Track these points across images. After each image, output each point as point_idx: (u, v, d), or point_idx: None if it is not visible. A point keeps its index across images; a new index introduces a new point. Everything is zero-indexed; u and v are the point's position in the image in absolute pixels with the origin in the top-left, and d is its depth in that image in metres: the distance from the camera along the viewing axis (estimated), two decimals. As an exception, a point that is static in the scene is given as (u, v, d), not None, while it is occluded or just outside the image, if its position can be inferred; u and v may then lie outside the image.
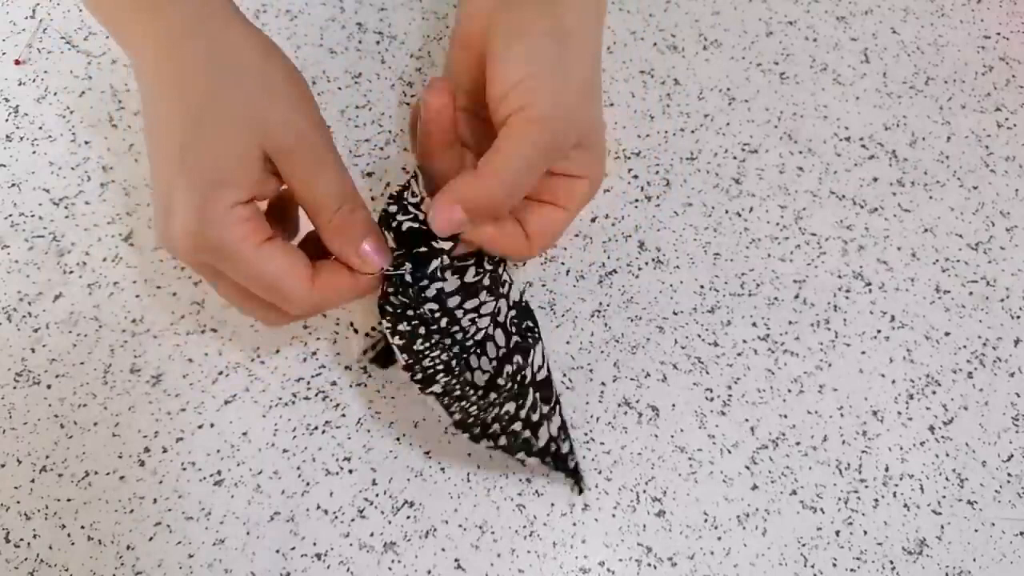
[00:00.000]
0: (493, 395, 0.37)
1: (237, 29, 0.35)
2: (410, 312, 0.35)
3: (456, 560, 0.40)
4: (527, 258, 0.39)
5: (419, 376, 0.36)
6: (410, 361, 0.36)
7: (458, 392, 0.36)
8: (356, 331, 0.44)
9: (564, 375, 0.44)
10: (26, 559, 0.39)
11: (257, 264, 0.34)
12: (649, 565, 0.40)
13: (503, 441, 0.38)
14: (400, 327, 0.35)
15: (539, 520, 0.41)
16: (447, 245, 0.36)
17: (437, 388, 0.36)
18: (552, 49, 0.35)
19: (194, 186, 0.33)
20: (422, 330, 0.35)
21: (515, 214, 0.38)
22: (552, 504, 0.41)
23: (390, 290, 0.36)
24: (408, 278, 0.35)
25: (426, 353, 0.35)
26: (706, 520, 0.41)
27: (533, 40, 0.35)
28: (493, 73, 0.35)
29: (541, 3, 0.36)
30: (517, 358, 0.38)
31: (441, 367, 0.36)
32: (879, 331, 0.46)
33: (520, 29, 0.35)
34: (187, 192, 0.33)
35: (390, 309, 0.35)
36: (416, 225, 0.36)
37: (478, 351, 0.37)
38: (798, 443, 0.43)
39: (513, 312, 0.39)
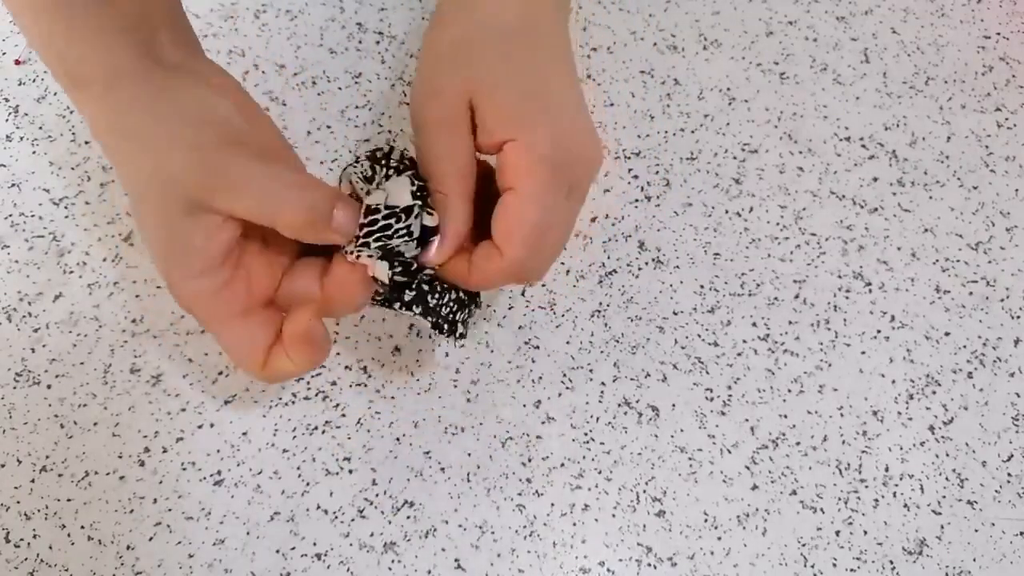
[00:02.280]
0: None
1: (130, 89, 0.33)
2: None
3: (456, 560, 0.40)
4: (512, 275, 0.35)
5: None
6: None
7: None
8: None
9: (564, 375, 0.44)
10: (26, 559, 0.39)
11: (219, 338, 0.35)
12: (649, 565, 0.40)
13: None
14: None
15: (539, 520, 0.41)
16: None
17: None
18: (537, 70, 0.35)
19: (156, 262, 0.34)
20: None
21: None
22: (552, 504, 0.41)
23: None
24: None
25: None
26: (706, 520, 0.41)
27: (512, 66, 0.35)
28: (484, 107, 0.34)
29: (510, 26, 0.36)
30: None
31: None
32: (879, 331, 0.46)
33: (499, 56, 0.35)
34: (157, 266, 0.34)
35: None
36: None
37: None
38: (798, 443, 0.43)
39: None
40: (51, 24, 0.33)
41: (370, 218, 0.34)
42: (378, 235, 0.34)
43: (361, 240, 0.34)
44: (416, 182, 0.35)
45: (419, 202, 0.34)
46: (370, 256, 0.34)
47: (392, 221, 0.34)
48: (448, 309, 0.37)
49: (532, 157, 0.33)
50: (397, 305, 0.36)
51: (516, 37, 0.36)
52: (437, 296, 0.36)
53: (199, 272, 0.33)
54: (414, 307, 0.36)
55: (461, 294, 0.37)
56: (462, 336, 0.38)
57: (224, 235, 0.33)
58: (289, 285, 0.36)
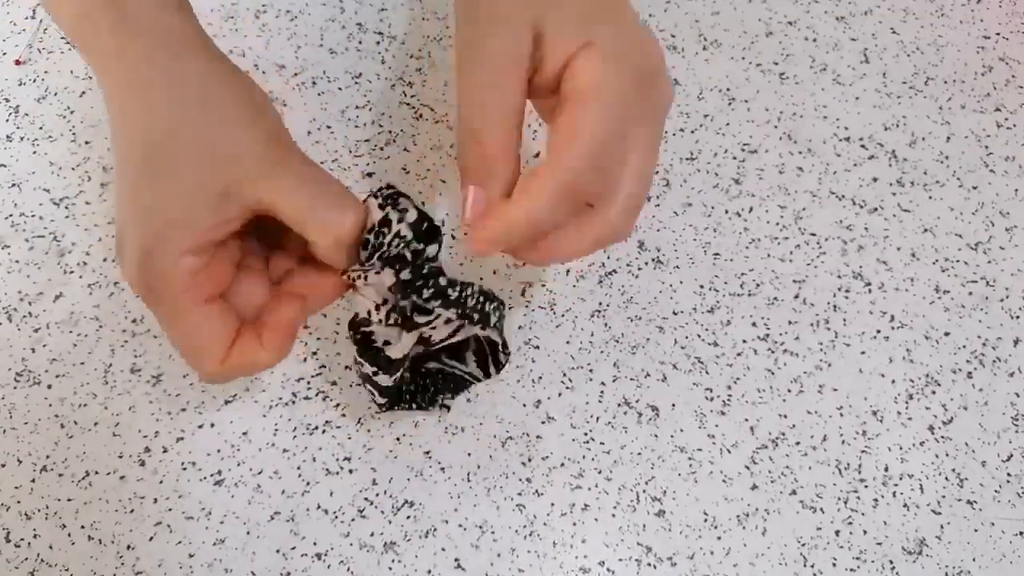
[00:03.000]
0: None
1: (200, 60, 0.33)
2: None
3: (456, 560, 0.40)
4: (561, 196, 0.32)
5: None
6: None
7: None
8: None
9: (564, 375, 0.44)
10: (26, 559, 0.39)
11: (181, 321, 0.33)
12: (649, 565, 0.40)
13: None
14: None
15: (539, 520, 0.41)
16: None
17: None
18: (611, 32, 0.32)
19: (143, 225, 0.32)
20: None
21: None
22: (552, 504, 0.41)
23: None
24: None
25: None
26: (706, 520, 0.41)
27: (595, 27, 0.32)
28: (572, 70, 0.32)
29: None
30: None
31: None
32: (879, 331, 0.46)
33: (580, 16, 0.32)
34: (137, 228, 0.32)
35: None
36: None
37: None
38: (798, 443, 0.43)
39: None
40: None
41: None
42: (372, 256, 0.34)
43: (358, 270, 0.34)
44: (379, 195, 0.34)
45: (391, 210, 0.34)
46: (374, 274, 0.34)
47: (374, 238, 0.33)
48: (475, 300, 0.35)
49: (603, 66, 0.31)
50: (415, 313, 0.34)
51: None
52: (459, 289, 0.34)
53: (190, 249, 0.32)
54: (433, 301, 0.34)
55: (483, 286, 0.36)
56: (498, 325, 0.36)
57: (238, 223, 0.32)
58: (239, 281, 0.35)
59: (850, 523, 0.41)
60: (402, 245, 0.33)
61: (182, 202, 0.31)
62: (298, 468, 0.41)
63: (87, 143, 0.49)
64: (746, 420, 0.43)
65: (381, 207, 0.34)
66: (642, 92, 0.32)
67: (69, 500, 0.40)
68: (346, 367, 0.44)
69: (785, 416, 0.44)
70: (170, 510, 0.40)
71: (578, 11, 0.32)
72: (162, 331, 0.34)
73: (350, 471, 0.41)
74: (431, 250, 0.34)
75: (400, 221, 0.33)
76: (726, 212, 0.49)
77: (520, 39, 0.32)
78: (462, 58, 0.33)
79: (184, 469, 0.41)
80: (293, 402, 0.43)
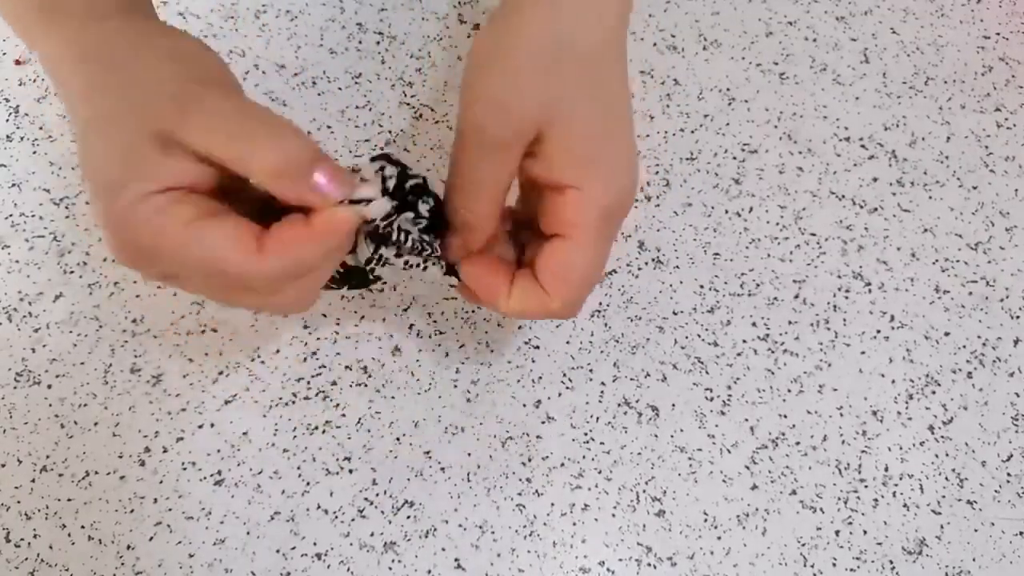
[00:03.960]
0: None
1: (116, 20, 0.33)
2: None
3: (456, 560, 0.40)
4: (556, 314, 0.34)
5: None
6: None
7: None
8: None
9: (564, 375, 0.44)
10: (26, 559, 0.39)
11: (185, 250, 0.30)
12: (649, 565, 0.40)
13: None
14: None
15: (539, 520, 0.41)
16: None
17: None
18: (504, 16, 0.32)
19: (96, 193, 0.31)
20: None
21: (533, 264, 0.34)
22: (552, 504, 0.41)
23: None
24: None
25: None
26: (706, 520, 0.41)
27: (495, 15, 0.32)
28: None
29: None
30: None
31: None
32: (879, 331, 0.46)
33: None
34: (94, 202, 0.31)
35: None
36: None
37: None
38: (798, 443, 0.43)
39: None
40: None
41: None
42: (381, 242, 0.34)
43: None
44: (385, 175, 0.33)
45: (395, 203, 0.33)
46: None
47: (381, 230, 0.33)
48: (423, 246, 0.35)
49: (594, 211, 0.32)
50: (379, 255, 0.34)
51: (595, 63, 0.33)
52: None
53: (151, 183, 0.30)
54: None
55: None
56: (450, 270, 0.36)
57: (197, 169, 0.31)
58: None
59: (850, 523, 0.41)
60: (407, 231, 0.34)
61: (120, 157, 0.30)
62: (298, 468, 0.41)
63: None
64: (746, 420, 0.43)
65: (385, 191, 0.33)
66: (617, 226, 0.34)
67: (69, 500, 0.40)
68: (346, 367, 0.44)
69: (785, 416, 0.44)
70: (170, 510, 0.40)
71: (585, 144, 0.32)
72: (176, 279, 0.32)
73: (350, 471, 0.41)
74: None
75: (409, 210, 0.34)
76: (726, 212, 0.49)
77: (522, 137, 0.32)
78: (465, 131, 0.33)
79: (184, 469, 0.41)
80: (293, 402, 0.43)
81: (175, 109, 0.30)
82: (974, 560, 0.41)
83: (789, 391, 0.44)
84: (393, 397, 0.43)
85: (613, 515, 0.41)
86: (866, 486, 0.42)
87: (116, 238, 0.30)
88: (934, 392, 0.44)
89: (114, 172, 0.30)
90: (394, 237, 0.33)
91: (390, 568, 0.40)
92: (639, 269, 0.47)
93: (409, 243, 0.34)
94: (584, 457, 0.42)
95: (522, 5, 0.33)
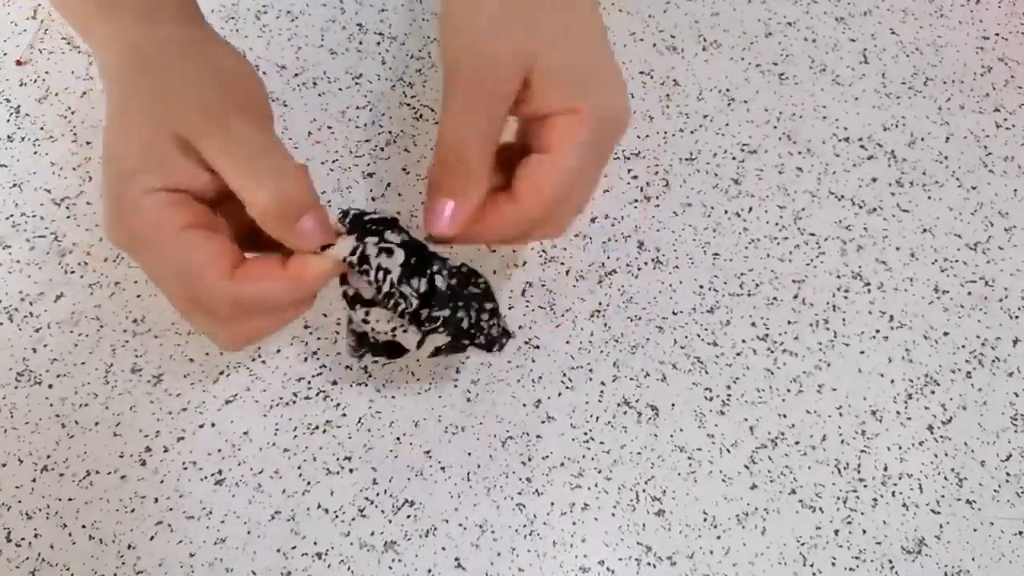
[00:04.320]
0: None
1: (169, 25, 0.35)
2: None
3: (456, 559, 0.40)
4: (523, 227, 0.34)
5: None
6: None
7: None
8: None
9: (564, 375, 0.44)
10: (27, 558, 0.39)
11: (171, 251, 0.32)
12: (649, 564, 0.40)
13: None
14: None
15: (539, 520, 0.41)
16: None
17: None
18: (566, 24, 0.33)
19: (111, 175, 0.33)
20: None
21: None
22: (552, 504, 0.41)
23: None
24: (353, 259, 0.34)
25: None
26: (705, 519, 0.41)
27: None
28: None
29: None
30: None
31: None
32: (878, 331, 0.46)
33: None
34: (107, 182, 0.33)
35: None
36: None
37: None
38: (797, 443, 0.43)
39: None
40: None
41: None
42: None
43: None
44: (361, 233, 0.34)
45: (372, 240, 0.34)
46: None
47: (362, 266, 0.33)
48: (472, 320, 0.35)
49: (578, 127, 0.33)
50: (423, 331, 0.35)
51: (573, 2, 0.34)
52: (463, 314, 0.35)
53: (159, 188, 0.32)
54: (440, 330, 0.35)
55: (478, 303, 0.36)
56: (502, 342, 0.36)
57: (207, 177, 0.33)
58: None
59: (849, 523, 0.41)
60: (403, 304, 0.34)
61: (135, 150, 0.33)
62: (299, 468, 0.42)
63: (88, 143, 0.49)
64: (745, 420, 0.43)
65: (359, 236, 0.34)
66: (607, 146, 0.35)
67: (70, 500, 0.41)
68: (346, 367, 0.44)
69: (784, 416, 0.44)
70: (171, 510, 0.41)
71: (569, 73, 0.33)
72: (153, 273, 0.33)
73: (350, 471, 0.42)
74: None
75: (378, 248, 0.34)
76: (726, 212, 0.49)
77: (510, 83, 0.33)
78: (452, 83, 0.34)
79: (185, 469, 0.41)
80: (293, 402, 0.43)
81: (201, 122, 0.32)
82: (973, 560, 0.41)
83: (788, 391, 0.44)
84: (393, 397, 0.43)
85: (613, 515, 0.41)
86: (865, 486, 0.42)
87: (115, 219, 0.33)
88: (933, 392, 0.45)
89: (132, 160, 0.33)
90: (371, 275, 0.33)
91: (390, 567, 0.40)
92: (639, 269, 0.47)
93: (387, 282, 0.34)
94: (584, 457, 0.42)
95: None
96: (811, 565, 0.40)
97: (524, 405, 0.43)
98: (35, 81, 0.51)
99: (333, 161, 0.49)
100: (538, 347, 0.45)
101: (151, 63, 0.34)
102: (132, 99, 0.34)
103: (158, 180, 0.32)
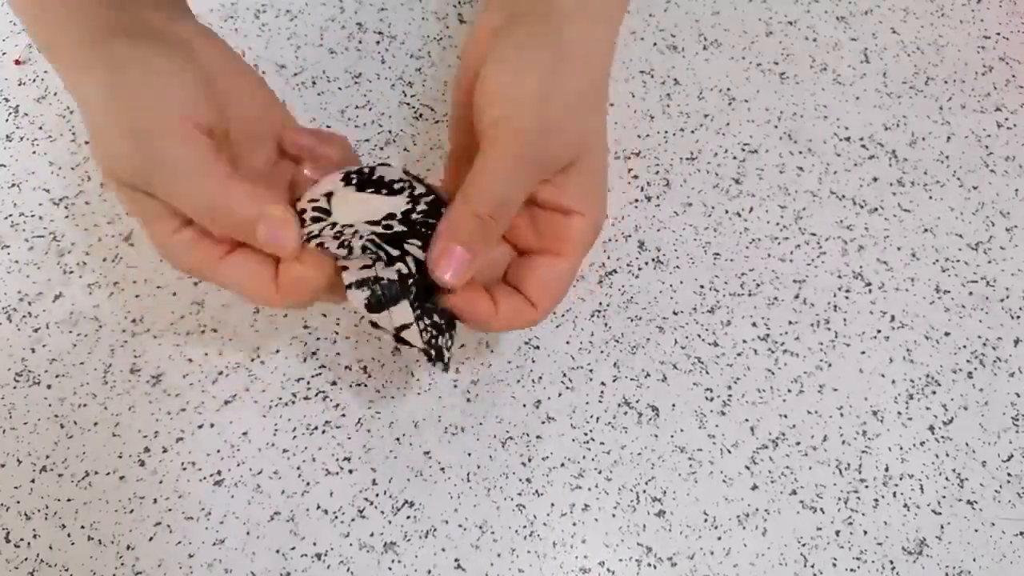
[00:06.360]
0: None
1: (113, 56, 0.32)
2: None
3: (456, 560, 0.40)
4: (533, 324, 0.36)
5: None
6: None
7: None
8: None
9: (564, 375, 0.44)
10: (26, 559, 0.39)
11: (219, 279, 0.33)
12: (649, 565, 0.40)
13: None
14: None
15: (539, 520, 0.41)
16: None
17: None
18: (545, 59, 0.33)
19: (132, 110, 0.31)
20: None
21: (512, 280, 0.36)
22: (552, 504, 0.41)
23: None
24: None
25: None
26: (706, 520, 0.41)
27: (526, 52, 0.33)
28: (480, 85, 0.33)
29: (539, 17, 0.34)
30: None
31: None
32: (879, 331, 0.46)
33: (514, 43, 0.33)
34: (127, 117, 0.31)
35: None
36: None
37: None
38: (798, 443, 0.43)
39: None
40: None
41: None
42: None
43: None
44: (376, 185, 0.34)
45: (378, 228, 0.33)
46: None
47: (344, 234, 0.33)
48: (429, 334, 0.35)
49: (589, 235, 0.35)
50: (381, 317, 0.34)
51: (600, 96, 0.35)
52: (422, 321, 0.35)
53: (193, 122, 0.31)
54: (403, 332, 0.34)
55: (437, 319, 0.36)
56: (445, 364, 0.36)
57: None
58: None
59: (850, 523, 0.41)
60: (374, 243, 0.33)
61: (167, 79, 0.31)
62: (298, 468, 0.41)
63: (87, 143, 0.49)
64: (746, 420, 0.43)
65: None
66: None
67: (69, 500, 0.40)
68: (346, 367, 0.44)
69: (785, 416, 0.44)
70: (170, 510, 0.40)
71: (598, 178, 0.35)
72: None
73: (350, 471, 0.41)
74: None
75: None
76: (726, 212, 0.49)
77: (561, 163, 0.34)
78: (513, 140, 0.34)
79: (184, 469, 0.41)
80: (293, 402, 0.43)
81: (137, 167, 0.31)
82: (974, 560, 0.41)
83: (789, 391, 0.44)
84: (393, 397, 0.43)
85: (613, 515, 0.41)
86: (866, 486, 0.42)
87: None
88: (934, 392, 0.44)
89: (162, 87, 0.31)
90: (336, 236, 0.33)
91: (390, 568, 0.39)
92: (639, 269, 0.47)
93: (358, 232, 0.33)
94: (584, 457, 0.42)
95: (560, 37, 0.33)
96: (812, 566, 0.40)
97: (524, 405, 0.43)
98: (34, 81, 0.51)
99: (333, 161, 0.49)
100: (538, 347, 0.45)
101: (83, 97, 0.32)
102: (143, 66, 0.32)
103: (193, 108, 0.31)
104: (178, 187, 0.31)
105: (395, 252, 0.33)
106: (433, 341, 0.35)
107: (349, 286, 0.34)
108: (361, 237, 0.33)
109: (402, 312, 0.34)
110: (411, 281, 0.34)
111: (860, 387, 0.44)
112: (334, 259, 0.34)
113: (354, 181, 0.35)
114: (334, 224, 0.33)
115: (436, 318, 0.35)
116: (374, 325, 0.35)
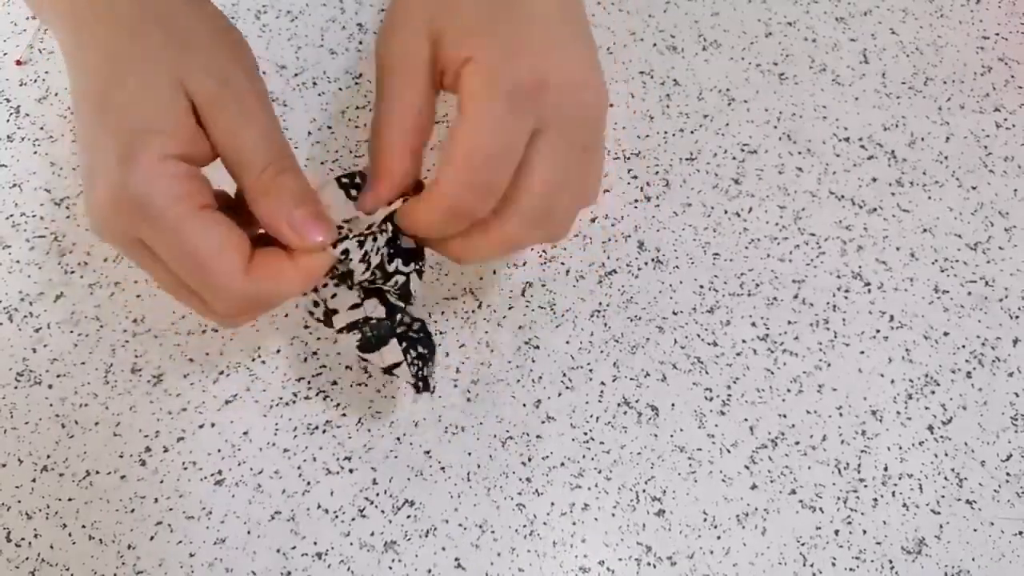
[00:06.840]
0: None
1: None
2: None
3: (456, 559, 0.40)
4: (444, 209, 0.31)
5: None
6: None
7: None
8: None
9: (564, 375, 0.44)
10: (27, 558, 0.39)
11: (187, 231, 0.29)
12: (649, 564, 0.40)
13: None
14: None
15: (539, 520, 0.41)
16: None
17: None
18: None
19: (116, 133, 0.29)
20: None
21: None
22: (552, 504, 0.41)
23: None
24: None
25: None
26: (705, 519, 0.41)
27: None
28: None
29: None
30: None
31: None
32: (878, 331, 0.46)
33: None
34: (109, 141, 0.29)
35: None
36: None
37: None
38: (797, 443, 0.43)
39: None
40: None
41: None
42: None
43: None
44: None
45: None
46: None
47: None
48: (416, 367, 0.37)
49: (486, 78, 0.29)
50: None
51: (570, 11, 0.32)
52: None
53: (171, 155, 0.29)
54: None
55: (422, 349, 0.37)
56: (432, 390, 0.38)
57: (206, 147, 0.31)
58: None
59: (849, 523, 0.41)
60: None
61: (152, 105, 0.29)
62: (298, 468, 0.42)
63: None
64: (746, 420, 0.43)
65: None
66: (521, 104, 0.30)
67: (70, 500, 0.41)
68: (346, 367, 0.44)
69: (785, 416, 0.44)
70: (171, 510, 0.41)
71: (471, 21, 0.30)
72: (169, 256, 0.30)
73: (350, 471, 0.42)
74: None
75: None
76: (726, 212, 0.49)
77: (418, 48, 0.31)
78: (376, 60, 0.33)
79: (185, 469, 0.41)
80: (293, 402, 0.43)
81: (215, 88, 0.30)
82: (973, 560, 0.41)
83: (788, 391, 0.44)
84: (393, 397, 0.43)
85: (613, 515, 0.41)
86: (865, 486, 0.42)
87: (115, 179, 0.29)
88: (933, 392, 0.45)
89: (144, 115, 0.29)
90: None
91: (390, 567, 0.40)
92: (639, 269, 0.47)
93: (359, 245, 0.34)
94: (584, 457, 0.42)
95: None
96: (811, 565, 0.40)
97: (524, 405, 0.43)
98: (35, 81, 0.51)
99: (333, 161, 0.49)
100: (538, 347, 0.45)
101: (153, 10, 0.30)
102: (136, 47, 0.30)
103: (175, 142, 0.29)
104: (243, 109, 0.31)
105: (391, 268, 0.35)
106: (420, 373, 0.37)
107: (340, 330, 0.35)
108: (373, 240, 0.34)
109: (392, 351, 0.36)
110: (399, 317, 0.36)
111: (859, 387, 0.45)
112: (323, 302, 0.35)
113: (344, 182, 0.36)
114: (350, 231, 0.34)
115: (420, 348, 0.37)
116: (363, 359, 0.36)
